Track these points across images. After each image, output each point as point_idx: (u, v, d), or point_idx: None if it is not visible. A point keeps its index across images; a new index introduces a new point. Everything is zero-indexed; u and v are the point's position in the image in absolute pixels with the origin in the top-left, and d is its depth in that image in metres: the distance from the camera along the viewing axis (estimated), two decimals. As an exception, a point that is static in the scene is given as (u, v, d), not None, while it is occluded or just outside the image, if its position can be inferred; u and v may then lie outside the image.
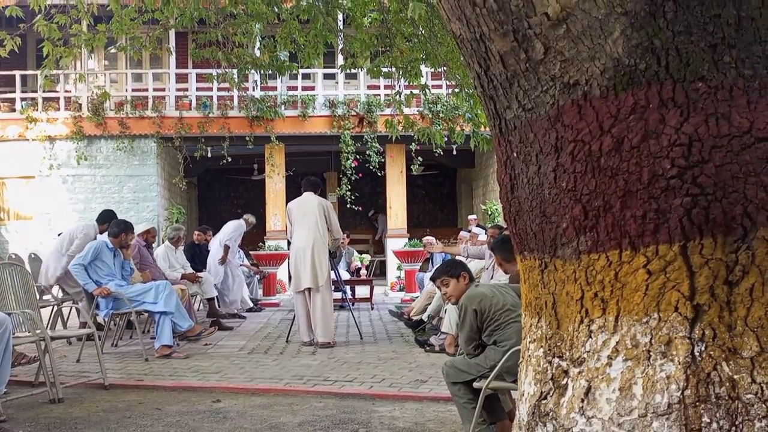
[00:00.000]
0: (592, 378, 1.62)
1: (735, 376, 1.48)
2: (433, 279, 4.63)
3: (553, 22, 1.64)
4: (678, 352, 1.52)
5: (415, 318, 8.13)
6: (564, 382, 1.70)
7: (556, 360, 1.73)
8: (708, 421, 1.47)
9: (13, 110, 13.51)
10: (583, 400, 1.62)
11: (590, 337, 1.65)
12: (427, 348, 6.91)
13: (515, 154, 1.83)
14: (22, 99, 13.63)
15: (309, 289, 7.28)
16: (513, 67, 1.75)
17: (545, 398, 1.74)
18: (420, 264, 12.61)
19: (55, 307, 7.78)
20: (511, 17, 1.69)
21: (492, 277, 6.99)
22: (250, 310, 10.73)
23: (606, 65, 1.61)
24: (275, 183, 14.16)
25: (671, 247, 1.55)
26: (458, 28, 1.85)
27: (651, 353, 1.55)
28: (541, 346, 1.79)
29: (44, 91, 13.23)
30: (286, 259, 12.81)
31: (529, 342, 1.86)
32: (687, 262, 1.54)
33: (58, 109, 13.51)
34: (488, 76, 1.83)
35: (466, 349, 3.76)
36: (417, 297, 10.67)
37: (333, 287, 7.94)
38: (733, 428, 1.47)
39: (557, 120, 1.70)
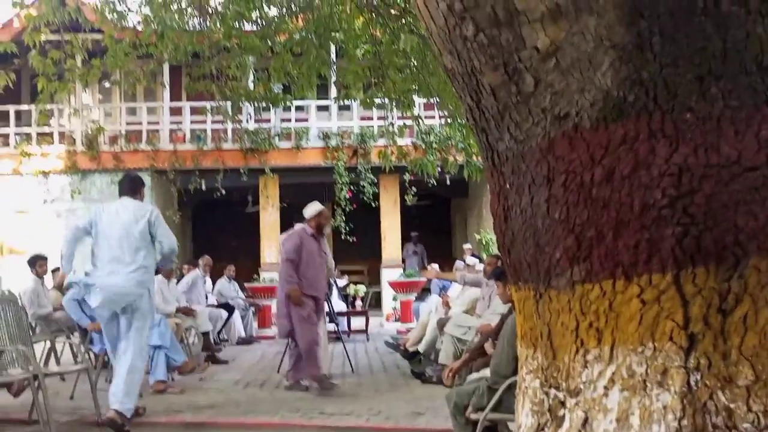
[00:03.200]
0: (589, 408, 1.62)
1: (731, 405, 1.48)
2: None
3: (543, 56, 1.67)
4: (674, 381, 1.52)
5: (411, 349, 8.08)
6: (561, 413, 1.69)
7: (553, 391, 1.73)
8: (706, 451, 1.47)
9: (7, 145, 13.54)
10: (580, 431, 1.61)
11: (586, 367, 1.65)
12: (423, 379, 6.88)
13: (508, 186, 1.84)
14: (17, 134, 13.66)
15: None
16: (504, 100, 1.77)
17: (543, 429, 1.73)
18: (416, 294, 12.58)
19: (49, 343, 7.71)
20: (502, 51, 1.72)
21: (489, 307, 6.98)
22: (242, 342, 10.69)
23: (596, 97, 1.63)
24: (269, 215, 14.18)
25: (664, 276, 1.55)
26: (450, 62, 1.88)
27: (647, 383, 1.54)
28: (538, 377, 1.79)
29: (39, 126, 13.26)
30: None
31: (526, 373, 1.85)
32: (680, 291, 1.54)
33: (53, 144, 13.55)
34: (480, 108, 1.85)
35: (500, 376, 3.47)
36: (413, 328, 10.64)
37: (327, 319, 7.93)
38: (731, 458, 1.47)
39: (549, 151, 1.71)
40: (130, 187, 5.63)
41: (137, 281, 5.25)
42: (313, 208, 6.82)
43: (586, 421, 1.62)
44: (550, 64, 1.67)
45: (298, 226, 6.89)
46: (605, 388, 1.60)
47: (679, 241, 1.54)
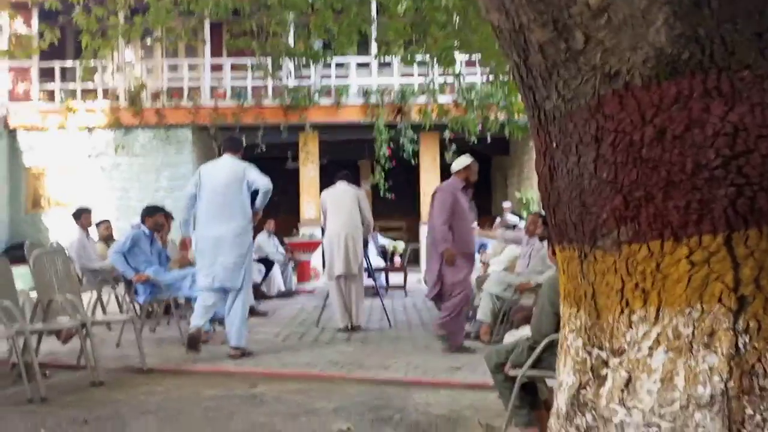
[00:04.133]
0: (633, 369, 1.62)
1: (780, 368, 1.47)
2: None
3: (594, 12, 1.63)
4: (721, 343, 1.51)
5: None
6: (603, 372, 1.70)
7: (596, 350, 1.73)
8: (751, 413, 1.46)
9: (53, 101, 13.78)
10: (623, 391, 1.62)
11: (631, 327, 1.65)
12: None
13: (554, 145, 1.83)
14: (62, 90, 13.89)
15: (343, 276, 7.42)
16: (553, 57, 1.74)
17: (584, 388, 1.74)
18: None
19: (95, 293, 7.95)
20: (551, 7, 1.69)
21: (528, 265, 6.97)
22: (282, 295, 10.88)
23: (648, 54, 1.60)
24: (309, 171, 14.25)
25: (715, 237, 1.53)
26: (497, 19, 1.85)
27: (693, 345, 1.54)
28: (580, 337, 1.79)
29: (83, 82, 13.45)
30: (320, 247, 12.90)
31: (568, 332, 1.86)
32: (731, 253, 1.52)
33: (97, 100, 13.75)
34: (527, 66, 1.83)
35: (541, 336, 3.40)
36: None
37: (366, 274, 8.06)
38: (777, 420, 1.46)
39: (597, 110, 1.69)
40: (231, 145, 6.41)
41: (242, 227, 6.12)
42: (462, 161, 6.69)
43: (629, 380, 1.62)
44: (601, 20, 1.63)
45: (448, 182, 6.75)
46: (650, 348, 1.60)
47: (732, 202, 1.51)
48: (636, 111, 1.62)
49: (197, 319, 6.11)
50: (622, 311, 1.67)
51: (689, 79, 1.57)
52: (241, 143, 6.52)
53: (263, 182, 6.07)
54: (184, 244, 7.16)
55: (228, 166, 6.21)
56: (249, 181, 6.09)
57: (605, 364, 1.69)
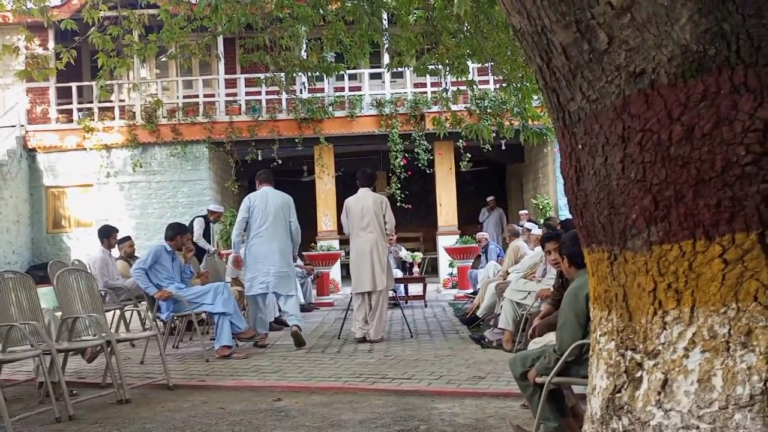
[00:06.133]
0: (669, 370, 1.60)
1: (820, 366, 1.44)
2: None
3: (617, 11, 1.63)
4: (759, 342, 1.49)
5: (480, 315, 8.09)
6: (638, 374, 1.68)
7: (629, 353, 1.71)
8: (793, 412, 1.44)
9: (71, 121, 13.94)
10: (659, 393, 1.60)
11: (665, 328, 1.62)
12: (484, 343, 6.89)
13: (580, 146, 1.81)
14: (79, 110, 14.05)
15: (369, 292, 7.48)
16: (576, 59, 1.73)
17: (619, 392, 1.72)
18: (472, 261, 12.55)
19: (118, 311, 7.99)
20: (573, 8, 1.68)
21: (544, 274, 6.92)
22: (301, 309, 10.87)
23: (673, 52, 1.59)
24: (325, 184, 14.28)
25: (748, 235, 1.51)
26: (518, 22, 1.84)
27: (730, 344, 1.51)
28: (613, 339, 1.77)
29: (100, 101, 13.60)
30: (338, 259, 12.91)
31: (600, 335, 1.84)
32: (765, 251, 1.50)
33: (114, 119, 13.89)
34: (550, 68, 1.82)
35: (566, 346, 3.33)
36: (470, 293, 10.63)
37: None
38: (819, 419, 1.43)
39: (624, 110, 1.68)
40: (266, 178, 7.75)
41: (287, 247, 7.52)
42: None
43: (665, 382, 1.60)
44: (624, 19, 1.63)
45: None
46: (685, 349, 1.58)
47: (765, 198, 1.49)
48: (663, 109, 1.61)
49: (296, 320, 7.29)
50: (655, 312, 1.65)
51: (716, 76, 1.55)
52: (271, 176, 7.83)
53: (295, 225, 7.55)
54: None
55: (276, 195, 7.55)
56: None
57: (640, 366, 1.67)
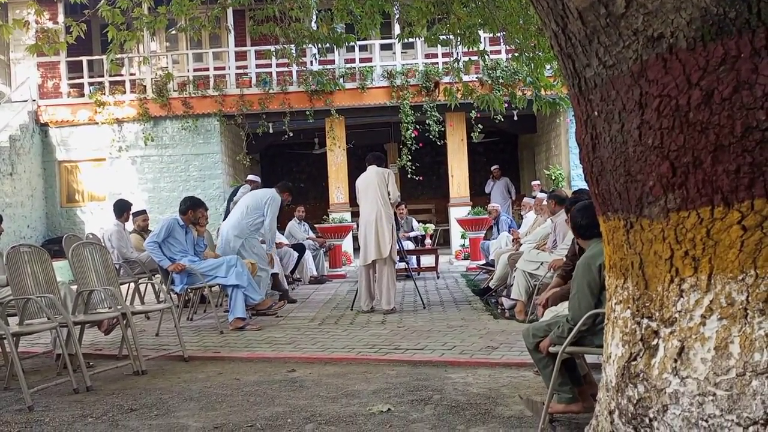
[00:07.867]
0: (685, 338, 1.59)
1: (838, 333, 1.43)
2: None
3: (635, -26, 1.59)
4: (778, 309, 1.48)
5: (493, 286, 8.10)
6: (654, 342, 1.67)
7: (645, 321, 1.70)
8: (812, 378, 1.43)
9: (82, 95, 13.94)
10: (676, 361, 1.59)
11: (681, 296, 1.61)
12: (497, 313, 6.91)
13: (596, 113, 1.79)
14: (90, 84, 14.04)
15: (375, 261, 7.52)
16: (592, 24, 1.70)
17: (635, 359, 1.71)
18: (484, 232, 12.54)
19: (133, 284, 8.07)
20: (590, -29, 1.64)
21: (560, 242, 6.90)
22: (313, 281, 10.93)
23: (693, 16, 1.55)
24: (336, 156, 14.25)
25: (767, 201, 1.49)
26: (533, -14, 1.81)
27: (748, 311, 1.50)
28: (628, 307, 1.76)
29: (111, 75, 13.58)
30: (350, 231, 12.93)
31: (615, 303, 1.83)
32: (785, 217, 1.48)
33: (125, 92, 13.88)
34: (566, 34, 1.79)
35: (579, 316, 3.29)
36: (480, 264, 10.62)
37: (398, 258, 8.11)
38: (837, 386, 1.42)
39: (641, 75, 1.65)
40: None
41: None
42: None
43: (682, 350, 1.59)
44: (642, -18, 1.59)
45: None
46: (702, 317, 1.57)
47: (786, 163, 1.47)
48: (681, 74, 1.58)
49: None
50: (671, 280, 1.64)
51: (736, 39, 1.52)
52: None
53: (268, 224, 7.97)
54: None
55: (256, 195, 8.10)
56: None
57: (656, 334, 1.67)
